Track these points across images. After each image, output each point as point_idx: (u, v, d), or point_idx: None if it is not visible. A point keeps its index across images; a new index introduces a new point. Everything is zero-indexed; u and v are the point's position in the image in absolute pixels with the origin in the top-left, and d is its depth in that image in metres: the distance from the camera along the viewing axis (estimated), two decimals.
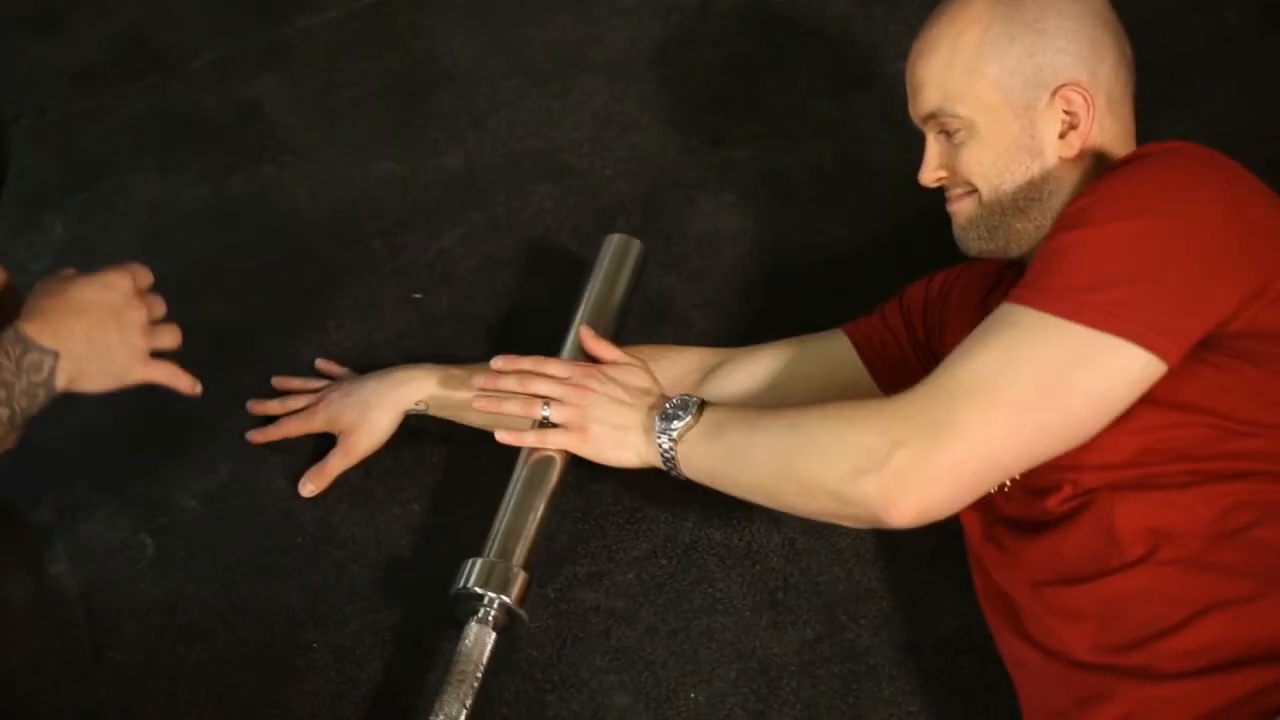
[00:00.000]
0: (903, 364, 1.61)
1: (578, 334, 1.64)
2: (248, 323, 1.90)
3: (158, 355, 1.43)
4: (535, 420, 1.54)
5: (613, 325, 1.70)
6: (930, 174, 1.52)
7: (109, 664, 1.57)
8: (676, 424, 1.45)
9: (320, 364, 1.83)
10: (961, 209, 1.49)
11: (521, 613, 1.48)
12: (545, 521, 1.55)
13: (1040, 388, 1.25)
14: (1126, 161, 1.37)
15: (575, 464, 1.57)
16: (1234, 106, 2.03)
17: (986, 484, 1.31)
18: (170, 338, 1.44)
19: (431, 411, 1.70)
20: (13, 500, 1.55)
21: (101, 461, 1.68)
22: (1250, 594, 1.23)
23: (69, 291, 1.38)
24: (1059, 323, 1.25)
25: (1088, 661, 1.28)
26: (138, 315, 1.40)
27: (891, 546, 1.63)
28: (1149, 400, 1.28)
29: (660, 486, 1.67)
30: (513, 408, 1.55)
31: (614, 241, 1.77)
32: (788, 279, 1.92)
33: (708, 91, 2.17)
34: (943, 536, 1.52)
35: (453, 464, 1.73)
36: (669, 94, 2.17)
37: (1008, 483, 1.42)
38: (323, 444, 1.71)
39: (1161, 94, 1.96)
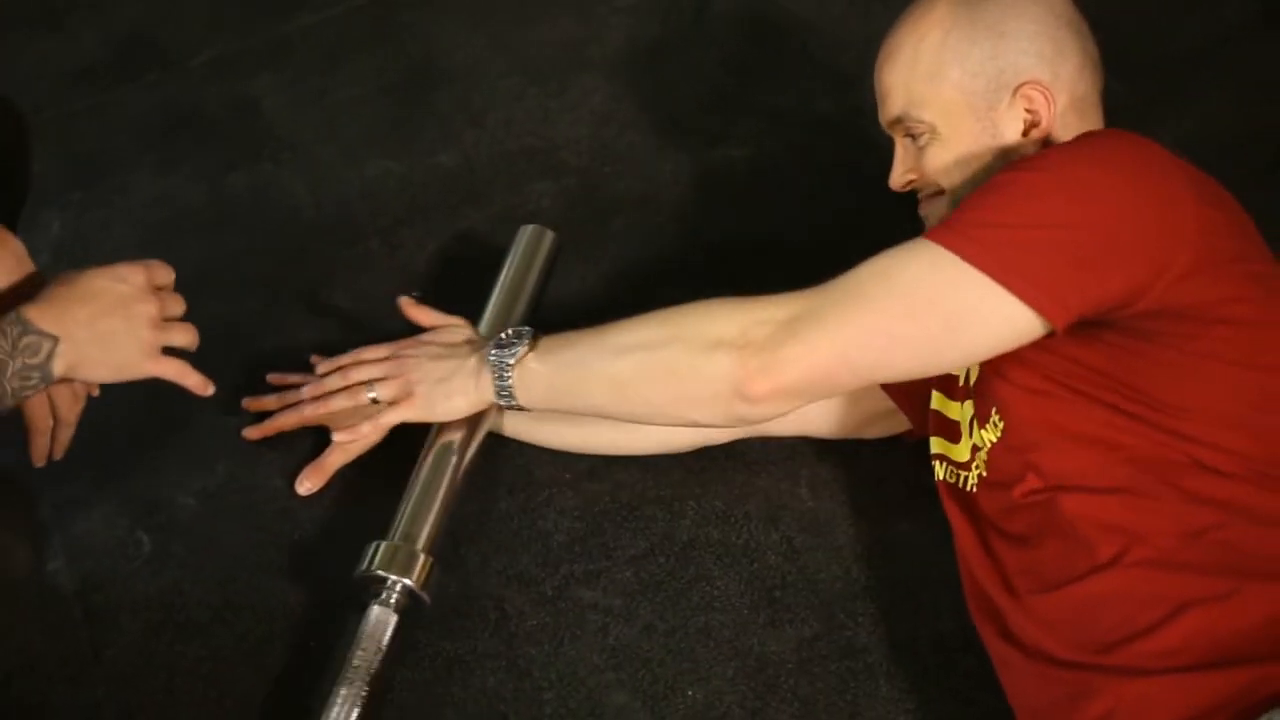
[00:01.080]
0: None
1: (489, 325, 1.68)
2: (245, 320, 1.89)
3: (172, 353, 1.44)
4: (364, 406, 1.58)
5: (523, 314, 1.73)
6: (899, 178, 1.54)
7: (106, 661, 1.57)
8: (511, 351, 1.47)
9: (315, 360, 1.82)
10: (932, 211, 1.51)
11: (424, 595, 1.50)
12: (450, 505, 1.57)
13: (903, 301, 1.30)
14: (1069, 140, 1.39)
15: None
16: (1233, 105, 2.04)
17: (836, 381, 1.35)
18: (185, 336, 1.45)
19: None
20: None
21: (99, 459, 1.68)
22: (1224, 591, 1.23)
23: (79, 280, 1.39)
24: (941, 251, 1.28)
25: (1069, 660, 1.29)
26: (147, 308, 1.40)
27: (889, 545, 1.63)
28: (1065, 379, 1.31)
29: (657, 484, 1.68)
30: (340, 402, 1.59)
31: (527, 232, 1.81)
32: (784, 278, 1.91)
33: (705, 90, 2.17)
34: (942, 535, 1.52)
35: None
36: (667, 93, 2.17)
37: (976, 480, 1.42)
38: (320, 444, 1.71)
39: (1161, 92, 1.97)
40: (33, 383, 1.35)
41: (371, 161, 2.11)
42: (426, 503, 1.55)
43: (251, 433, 1.74)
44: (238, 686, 1.55)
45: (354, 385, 1.57)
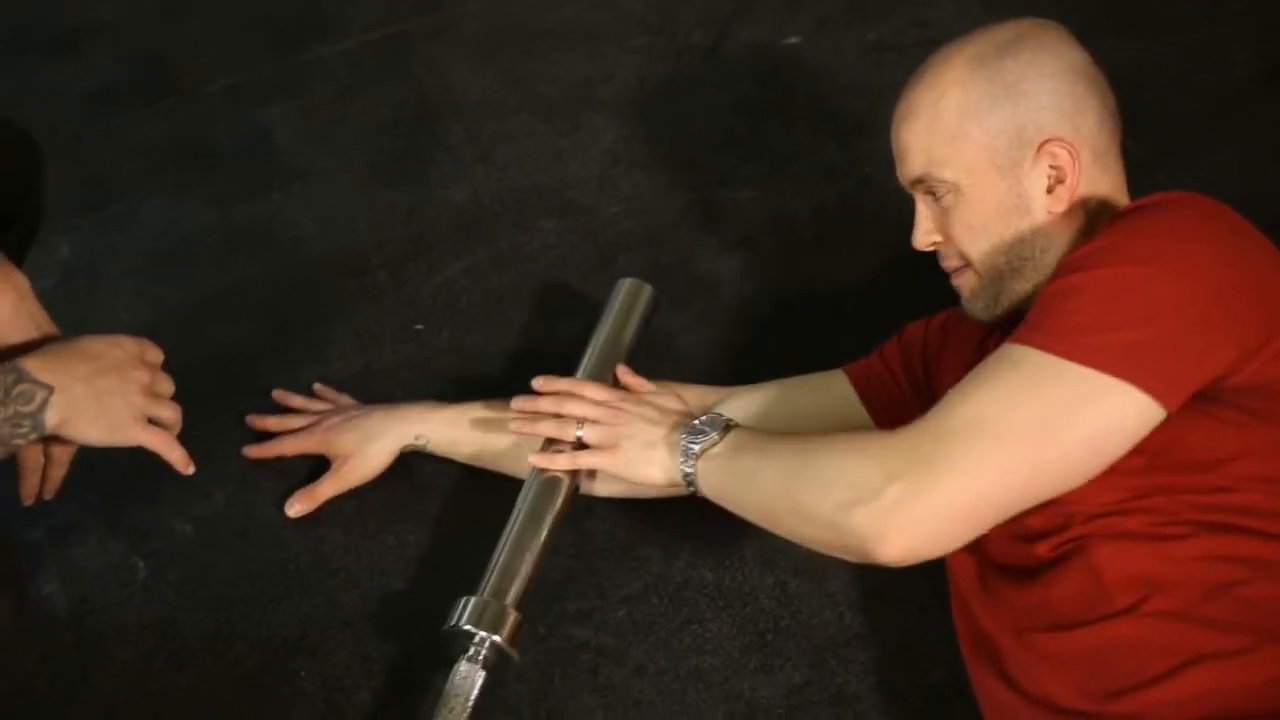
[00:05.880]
0: (901, 404, 1.61)
1: (587, 375, 1.65)
2: (249, 348, 1.90)
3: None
4: (570, 441, 1.55)
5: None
6: (922, 238, 1.50)
7: (97, 687, 1.57)
8: (700, 440, 1.45)
9: (318, 388, 1.83)
10: (965, 282, 1.49)
11: (512, 652, 1.48)
12: (541, 561, 1.54)
13: (1038, 427, 1.24)
14: (1134, 210, 1.37)
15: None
16: (1240, 163, 2.04)
17: (982, 523, 1.28)
18: (170, 413, 1.46)
19: (430, 448, 1.71)
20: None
21: (95, 484, 1.68)
22: (1240, 648, 1.23)
23: (77, 341, 1.42)
24: (1060, 363, 1.24)
25: (1074, 708, 1.28)
26: (141, 375, 1.43)
27: (883, 592, 1.62)
28: (1148, 452, 1.28)
29: (654, 525, 1.68)
30: (547, 429, 1.57)
31: (625, 285, 1.77)
32: (789, 320, 1.93)
33: (715, 132, 2.18)
34: (935, 583, 1.52)
35: (446, 498, 1.72)
36: (676, 134, 2.18)
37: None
38: (315, 472, 1.71)
39: (1169, 151, 1.97)
40: (23, 431, 1.37)
41: (380, 193, 2.12)
42: (517, 558, 1.53)
43: (252, 451, 1.75)
44: (227, 716, 1.55)
45: (566, 418, 1.57)
